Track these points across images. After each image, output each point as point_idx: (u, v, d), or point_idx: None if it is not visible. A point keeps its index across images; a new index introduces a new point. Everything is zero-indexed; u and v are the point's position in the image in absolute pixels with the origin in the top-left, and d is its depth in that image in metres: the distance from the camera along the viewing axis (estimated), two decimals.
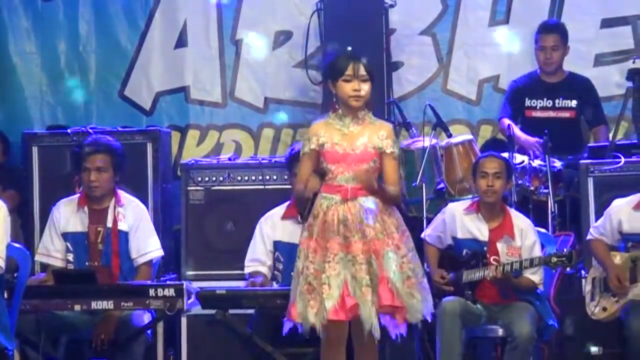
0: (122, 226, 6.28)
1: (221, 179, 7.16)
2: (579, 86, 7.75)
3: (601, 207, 6.63)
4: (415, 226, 6.87)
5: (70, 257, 6.28)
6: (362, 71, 5.26)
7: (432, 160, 7.03)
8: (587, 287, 6.43)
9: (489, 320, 6.24)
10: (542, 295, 6.30)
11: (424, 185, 6.91)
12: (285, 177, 6.83)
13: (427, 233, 6.50)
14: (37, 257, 6.35)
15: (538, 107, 7.74)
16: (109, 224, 6.28)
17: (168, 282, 6.03)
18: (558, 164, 7.14)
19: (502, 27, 8.17)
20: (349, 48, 5.47)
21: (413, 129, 7.61)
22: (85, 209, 6.31)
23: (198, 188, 7.14)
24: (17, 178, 7.41)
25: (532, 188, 7.02)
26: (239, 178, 7.18)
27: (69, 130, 7.41)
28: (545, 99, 7.73)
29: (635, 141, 7.29)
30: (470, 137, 7.42)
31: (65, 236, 6.30)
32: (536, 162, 7.08)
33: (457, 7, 8.16)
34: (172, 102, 8.35)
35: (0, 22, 8.30)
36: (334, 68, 5.31)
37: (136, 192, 6.77)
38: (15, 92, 8.31)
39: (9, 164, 7.75)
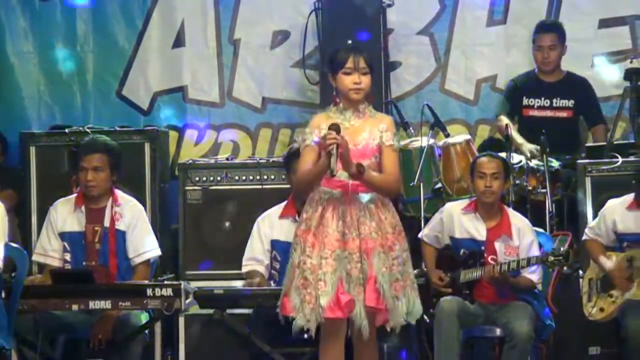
0: (120, 226, 6.27)
1: (219, 178, 7.17)
2: (576, 86, 7.76)
3: (599, 207, 6.63)
4: (412, 226, 6.88)
5: (68, 256, 6.27)
6: (363, 64, 5.23)
7: (430, 160, 7.04)
8: (584, 288, 6.43)
9: (487, 320, 6.24)
10: (540, 295, 6.30)
11: (421, 184, 6.92)
12: (283, 176, 6.83)
13: (425, 233, 6.50)
14: (35, 257, 6.34)
15: (536, 106, 7.75)
16: (107, 224, 6.27)
17: (166, 282, 6.02)
18: (556, 163, 7.14)
19: (499, 27, 8.17)
20: (349, 41, 5.45)
21: (411, 128, 7.62)
22: (83, 208, 6.30)
23: (196, 188, 7.14)
24: (15, 178, 7.41)
25: (529, 188, 7.03)
26: (237, 178, 7.18)
27: (66, 130, 7.41)
28: (542, 98, 7.73)
29: (633, 141, 7.30)
30: (468, 136, 7.43)
31: (63, 236, 6.29)
32: (534, 162, 7.08)
33: (454, 6, 8.16)
34: (169, 101, 8.35)
35: None
36: (334, 61, 5.27)
37: (134, 191, 6.77)
38: (12, 91, 8.31)
39: (6, 163, 7.76)
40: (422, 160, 6.91)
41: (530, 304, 6.19)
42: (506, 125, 7.25)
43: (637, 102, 7.29)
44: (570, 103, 7.73)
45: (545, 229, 6.76)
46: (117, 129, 7.42)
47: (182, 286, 5.77)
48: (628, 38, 8.05)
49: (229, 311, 6.03)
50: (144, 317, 6.10)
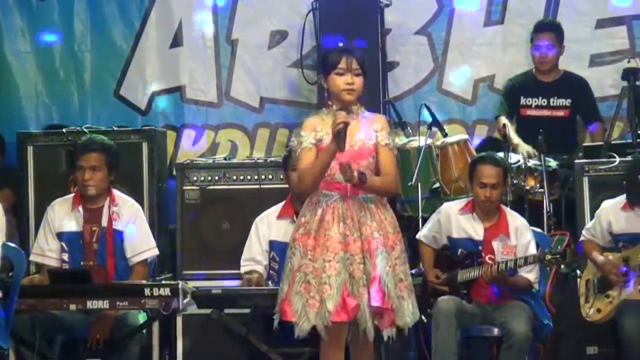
0: (117, 225, 6.26)
1: (217, 178, 7.16)
2: (573, 85, 7.76)
3: (596, 207, 6.63)
4: (410, 226, 6.89)
5: (65, 256, 6.27)
6: (355, 65, 5.22)
7: (428, 160, 7.04)
8: (581, 289, 6.44)
9: (484, 319, 6.24)
10: (538, 295, 6.31)
11: (419, 184, 6.92)
12: (281, 176, 6.83)
13: (423, 233, 6.50)
14: (32, 257, 6.34)
15: (533, 106, 7.75)
16: (104, 224, 6.27)
17: (163, 282, 6.02)
18: (553, 163, 7.15)
19: (497, 27, 8.17)
20: (340, 44, 5.44)
21: (408, 128, 7.62)
22: (80, 208, 6.30)
23: (193, 187, 7.14)
24: (13, 177, 7.41)
25: (527, 187, 7.03)
26: (235, 178, 7.18)
27: (64, 130, 7.41)
28: (540, 98, 7.74)
29: (630, 141, 7.30)
30: (465, 136, 7.43)
31: (60, 236, 6.29)
32: (531, 162, 7.08)
33: (452, 6, 8.16)
34: (167, 101, 8.34)
35: None
36: (327, 62, 5.26)
37: (131, 191, 6.76)
38: (10, 91, 8.30)
39: (4, 163, 7.75)
40: (419, 160, 6.91)
41: (528, 303, 6.20)
42: (504, 125, 7.26)
43: (635, 101, 7.30)
44: (567, 102, 7.74)
45: (543, 229, 6.76)
46: (115, 128, 7.42)
47: (179, 286, 5.76)
48: (625, 38, 8.06)
49: (226, 311, 6.03)
50: (141, 317, 6.09)
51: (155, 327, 6.54)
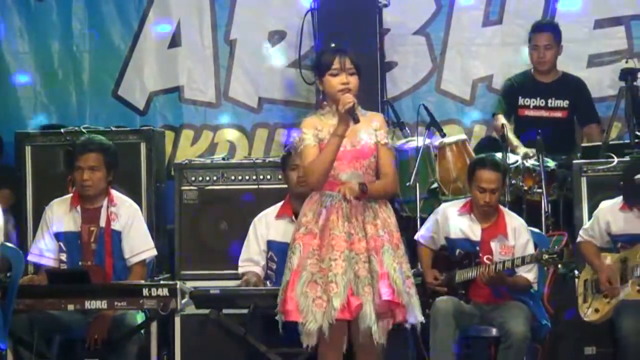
0: (116, 226, 6.26)
1: (215, 178, 7.16)
2: (571, 86, 7.76)
3: (594, 207, 6.63)
4: (408, 226, 6.89)
5: (64, 256, 6.27)
6: (349, 64, 5.21)
7: (426, 160, 7.04)
8: (579, 289, 6.44)
9: (483, 319, 6.25)
10: (536, 295, 6.31)
11: (417, 185, 6.92)
12: (279, 177, 6.83)
13: (421, 234, 6.51)
14: (30, 257, 6.33)
15: (531, 106, 7.75)
16: (102, 224, 6.27)
17: (162, 282, 6.01)
18: (551, 163, 7.15)
19: (495, 27, 8.17)
20: (332, 44, 5.41)
21: (407, 128, 7.62)
22: (78, 208, 6.30)
23: (192, 188, 7.13)
24: (11, 178, 7.40)
25: (525, 188, 7.04)
26: (233, 178, 7.17)
27: (62, 130, 7.41)
28: (538, 98, 7.74)
29: (628, 141, 7.30)
30: (464, 136, 7.43)
31: (58, 236, 6.28)
32: (529, 162, 7.09)
33: (450, 6, 8.16)
34: (166, 102, 8.35)
35: None
36: (320, 63, 5.26)
37: (130, 191, 6.76)
38: (8, 91, 8.30)
39: (2, 163, 7.75)
40: (418, 161, 6.91)
41: (526, 303, 6.20)
42: (502, 125, 7.26)
43: (633, 102, 7.30)
44: (565, 103, 7.74)
45: (541, 229, 6.77)
46: (113, 129, 7.42)
47: (178, 286, 5.76)
48: (623, 38, 8.06)
49: (225, 311, 6.02)
50: (139, 317, 6.09)
51: (154, 327, 6.53)
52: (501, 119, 7.51)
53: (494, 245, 6.28)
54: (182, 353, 6.73)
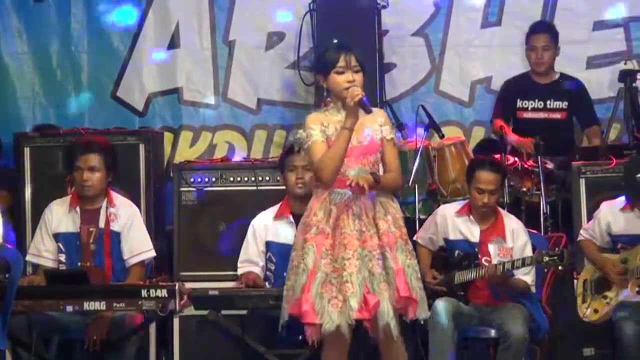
0: (115, 227, 6.26)
1: (214, 179, 7.15)
2: (570, 87, 7.76)
3: (593, 208, 6.64)
4: (407, 227, 6.86)
5: (62, 257, 6.27)
6: (354, 62, 5.17)
7: (425, 162, 7.04)
8: (578, 289, 6.45)
9: (481, 321, 6.25)
10: (534, 296, 6.31)
11: (416, 186, 6.92)
12: (278, 178, 6.83)
13: (420, 235, 6.51)
14: (28, 257, 6.33)
15: (529, 108, 7.75)
16: (101, 225, 6.27)
17: (160, 283, 6.01)
18: (550, 165, 7.15)
19: (494, 28, 8.18)
20: (335, 41, 5.39)
21: (406, 130, 7.62)
22: (77, 209, 6.30)
23: (191, 189, 7.13)
24: (10, 179, 7.40)
25: (524, 189, 7.04)
26: (232, 179, 7.16)
27: (60, 131, 7.40)
28: (536, 100, 7.74)
29: (627, 142, 7.31)
30: (462, 138, 7.44)
31: (57, 236, 6.28)
32: (528, 164, 7.09)
33: (449, 8, 8.17)
34: (164, 103, 8.34)
35: None
36: (325, 61, 5.20)
37: (129, 192, 6.76)
38: (7, 92, 8.30)
39: (0, 164, 7.74)
40: (417, 162, 6.91)
41: (525, 305, 6.21)
42: (501, 126, 7.26)
43: (631, 103, 7.30)
44: (564, 105, 7.74)
45: (540, 231, 6.77)
46: (112, 130, 7.42)
47: (176, 287, 5.76)
48: (622, 40, 8.07)
49: (223, 312, 6.02)
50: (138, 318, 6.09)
51: (152, 328, 6.54)
52: (499, 122, 7.51)
53: (492, 247, 6.28)
54: (181, 354, 6.73)
